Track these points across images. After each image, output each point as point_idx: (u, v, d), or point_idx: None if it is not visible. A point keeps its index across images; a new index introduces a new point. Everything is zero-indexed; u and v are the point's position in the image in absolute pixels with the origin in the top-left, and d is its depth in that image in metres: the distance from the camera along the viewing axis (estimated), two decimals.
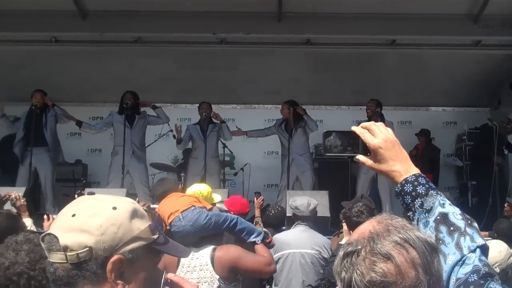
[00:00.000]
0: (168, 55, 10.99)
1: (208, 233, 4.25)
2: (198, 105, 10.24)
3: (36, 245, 2.21)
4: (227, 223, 4.29)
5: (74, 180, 10.36)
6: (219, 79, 11.40)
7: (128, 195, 7.81)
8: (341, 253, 1.39)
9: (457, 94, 11.92)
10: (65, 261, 1.45)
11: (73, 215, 1.49)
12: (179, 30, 10.01)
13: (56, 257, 1.46)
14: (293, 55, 11.12)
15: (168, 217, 4.32)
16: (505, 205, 7.98)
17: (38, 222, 5.55)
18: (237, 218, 4.40)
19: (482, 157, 10.91)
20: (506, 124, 10.00)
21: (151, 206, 5.34)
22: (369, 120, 8.98)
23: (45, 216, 5.46)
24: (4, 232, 3.02)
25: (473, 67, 11.14)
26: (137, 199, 8.29)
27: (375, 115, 9.49)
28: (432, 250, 1.35)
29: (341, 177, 10.82)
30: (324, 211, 7.86)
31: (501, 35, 10.02)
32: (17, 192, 6.00)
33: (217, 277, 4.10)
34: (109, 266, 1.46)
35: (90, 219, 1.48)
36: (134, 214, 1.55)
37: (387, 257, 1.30)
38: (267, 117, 11.83)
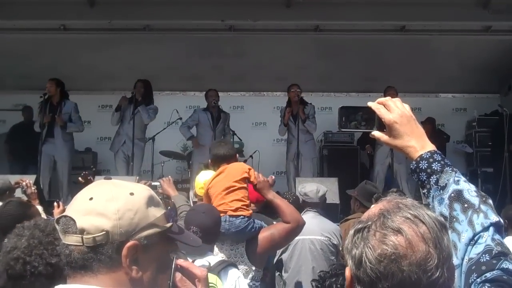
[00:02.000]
0: (176, 43, 10.98)
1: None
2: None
3: (41, 230, 2.23)
4: (257, 230, 4.34)
5: (84, 168, 10.35)
6: (227, 66, 11.38)
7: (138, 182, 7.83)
8: (351, 231, 1.39)
9: (466, 80, 11.84)
10: (81, 244, 1.45)
11: (91, 199, 1.49)
12: (188, 17, 9.99)
13: (71, 240, 1.46)
14: (302, 42, 11.09)
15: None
16: None
17: (49, 209, 5.57)
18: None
19: (493, 143, 10.86)
20: None
21: (152, 183, 5.31)
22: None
23: (55, 204, 5.49)
24: (15, 220, 3.05)
25: (483, 53, 11.06)
26: (137, 177, 8.32)
27: None
28: (442, 227, 1.35)
29: (351, 164, 10.81)
30: (333, 198, 7.85)
31: (511, 21, 9.94)
32: (28, 180, 6.04)
33: (253, 268, 4.19)
34: (124, 251, 1.46)
35: (108, 203, 1.48)
36: (151, 201, 1.55)
37: (398, 231, 1.31)
38: (276, 104, 11.80)
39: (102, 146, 11.55)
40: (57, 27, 10.38)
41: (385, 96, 9.48)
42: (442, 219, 1.38)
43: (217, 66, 11.30)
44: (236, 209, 4.23)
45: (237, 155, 4.73)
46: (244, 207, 4.28)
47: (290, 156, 9.98)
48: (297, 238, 5.58)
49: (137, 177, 8.35)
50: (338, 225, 6.04)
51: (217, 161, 4.72)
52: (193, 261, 2.31)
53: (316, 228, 5.65)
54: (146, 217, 1.52)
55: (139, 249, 1.49)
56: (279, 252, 5.66)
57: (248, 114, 12.06)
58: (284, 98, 10.50)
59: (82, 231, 1.45)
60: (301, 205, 6.05)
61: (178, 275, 1.62)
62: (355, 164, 10.88)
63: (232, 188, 4.31)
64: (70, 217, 1.48)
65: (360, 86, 11.94)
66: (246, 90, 12.34)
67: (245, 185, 4.38)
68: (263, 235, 4.28)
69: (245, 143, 11.43)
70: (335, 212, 7.68)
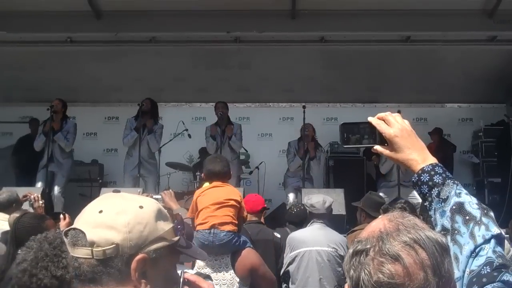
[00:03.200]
0: (182, 54, 11.01)
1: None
2: (212, 104, 10.20)
3: (49, 243, 2.24)
4: (241, 244, 4.40)
5: (91, 180, 10.43)
6: (233, 78, 11.41)
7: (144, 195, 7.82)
8: (350, 250, 1.38)
9: (472, 90, 11.82)
10: (91, 257, 1.44)
11: (100, 211, 1.49)
12: (193, 29, 10.03)
13: (81, 252, 1.46)
14: (307, 53, 11.10)
15: (198, 215, 4.39)
16: None
17: (55, 222, 5.57)
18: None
19: (499, 153, 10.83)
20: None
21: (154, 197, 5.30)
22: None
23: (61, 216, 5.50)
24: (29, 233, 3.07)
25: (489, 63, 11.05)
26: (140, 190, 8.30)
27: None
28: (442, 250, 1.33)
29: (357, 175, 10.79)
30: (339, 209, 7.84)
31: None
32: (36, 194, 6.07)
33: (237, 279, 4.24)
34: (133, 264, 1.46)
35: (118, 216, 1.48)
36: (159, 215, 1.56)
37: (395, 258, 1.29)
38: (282, 116, 11.84)
39: (108, 158, 11.59)
40: (63, 40, 10.44)
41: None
42: (443, 240, 1.36)
43: (222, 77, 11.33)
44: (222, 223, 4.28)
45: (229, 174, 4.72)
46: (232, 223, 4.32)
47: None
48: (304, 249, 5.59)
49: (140, 190, 8.35)
50: (344, 236, 6.03)
51: (211, 177, 4.71)
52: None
53: (323, 239, 5.64)
54: (155, 231, 1.52)
55: (148, 262, 1.49)
56: (286, 263, 5.66)
57: (254, 125, 12.05)
58: (290, 110, 10.51)
59: (92, 244, 1.44)
60: (307, 216, 6.06)
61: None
62: (361, 174, 10.86)
63: (225, 204, 4.37)
64: (79, 229, 1.47)
65: (366, 96, 11.96)
66: (251, 101, 12.35)
67: (236, 205, 4.42)
68: (254, 256, 4.38)
69: (251, 154, 11.44)
70: (342, 223, 7.66)
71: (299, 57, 11.07)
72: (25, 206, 5.95)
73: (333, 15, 9.87)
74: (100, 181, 10.52)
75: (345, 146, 1.92)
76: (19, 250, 2.32)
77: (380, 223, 1.39)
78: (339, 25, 9.93)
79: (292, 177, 9.93)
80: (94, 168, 11.13)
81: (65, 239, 1.51)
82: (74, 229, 1.50)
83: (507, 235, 6.37)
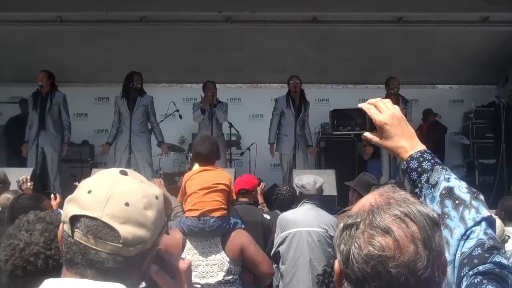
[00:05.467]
0: (173, 34, 10.95)
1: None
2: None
3: (48, 223, 2.21)
4: (231, 226, 4.42)
5: (81, 161, 10.41)
6: (224, 58, 11.36)
7: None
8: (341, 225, 1.38)
9: (464, 71, 11.83)
10: (118, 254, 1.38)
11: (126, 204, 1.40)
12: (184, 8, 9.97)
13: (108, 248, 1.38)
14: (299, 34, 11.07)
15: (186, 200, 4.39)
16: None
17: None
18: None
19: (490, 134, 10.89)
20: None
21: None
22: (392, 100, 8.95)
23: (52, 196, 5.49)
24: (27, 213, 3.07)
25: (480, 44, 11.05)
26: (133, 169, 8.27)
27: (395, 95, 9.32)
28: (433, 224, 1.33)
29: (348, 156, 10.81)
30: (331, 189, 7.86)
31: (508, 11, 9.94)
32: (24, 176, 6.03)
33: (227, 259, 4.25)
34: (148, 258, 1.46)
35: (146, 212, 1.42)
36: (164, 203, 1.52)
37: (386, 231, 1.29)
38: (273, 96, 11.76)
39: (99, 138, 11.51)
40: (53, 19, 10.36)
41: (387, 86, 9.52)
42: (434, 215, 1.36)
43: (214, 58, 11.27)
44: (211, 210, 4.27)
45: (218, 154, 4.70)
46: (221, 209, 4.32)
47: (286, 149, 9.91)
48: (294, 230, 5.60)
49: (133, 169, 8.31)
50: (335, 216, 6.04)
51: (198, 159, 4.71)
52: None
53: (313, 220, 5.66)
54: (164, 221, 1.49)
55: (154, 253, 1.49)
56: (276, 244, 5.68)
57: (245, 106, 12.03)
58: (281, 90, 10.49)
59: (124, 242, 1.38)
60: (297, 197, 6.07)
61: (154, 268, 1.56)
62: (353, 156, 10.88)
63: (214, 188, 4.36)
64: (104, 222, 1.39)
65: (357, 77, 11.95)
66: (243, 82, 12.32)
67: (226, 189, 4.42)
68: (244, 236, 4.40)
69: (242, 135, 11.44)
70: (333, 204, 7.68)
71: (291, 37, 11.03)
72: (14, 187, 5.92)
73: None
74: (91, 161, 10.49)
75: (334, 133, 1.92)
76: (6, 236, 2.27)
77: (370, 198, 1.39)
78: (331, 6, 9.90)
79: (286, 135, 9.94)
80: (84, 149, 11.09)
81: (74, 225, 1.41)
82: (95, 219, 1.39)
83: (496, 216, 6.43)
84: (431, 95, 12.18)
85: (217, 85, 10.14)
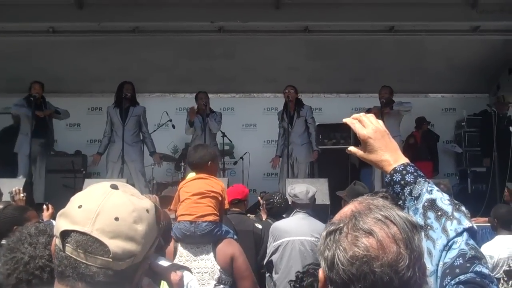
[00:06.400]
0: (166, 44, 10.97)
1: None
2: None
3: (50, 236, 2.20)
4: (223, 233, 4.43)
5: (74, 171, 10.37)
6: (217, 68, 11.37)
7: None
8: (323, 233, 1.41)
9: (455, 80, 11.89)
10: (108, 268, 1.39)
11: (116, 218, 1.41)
12: (177, 19, 9.98)
13: (98, 262, 1.39)
14: (292, 43, 11.10)
15: (179, 206, 4.41)
16: (505, 190, 8.00)
17: (38, 213, 5.55)
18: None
19: (482, 143, 10.93)
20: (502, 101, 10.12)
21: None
22: (382, 108, 8.98)
23: (44, 206, 5.48)
24: (12, 223, 3.07)
25: (472, 53, 11.13)
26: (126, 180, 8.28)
27: (388, 104, 9.34)
28: (412, 227, 1.37)
29: (341, 165, 10.79)
30: (323, 198, 7.86)
31: (499, 20, 10.01)
32: (17, 187, 6.03)
33: (218, 267, 4.24)
34: (140, 271, 1.46)
35: (135, 226, 1.42)
36: (156, 216, 1.52)
37: (369, 232, 1.33)
38: (266, 106, 11.84)
39: (92, 148, 11.46)
40: (45, 30, 10.36)
41: (380, 95, 9.55)
42: (413, 219, 1.41)
43: (206, 67, 11.29)
44: (203, 215, 4.30)
45: (211, 162, 4.68)
46: (213, 214, 4.35)
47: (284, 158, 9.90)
48: (287, 239, 5.61)
49: (126, 179, 8.33)
50: None
51: (191, 166, 4.73)
52: None
53: (306, 229, 5.67)
54: (155, 235, 1.50)
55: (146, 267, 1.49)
56: (269, 253, 5.68)
57: (238, 115, 12.04)
58: (274, 100, 10.51)
59: (113, 256, 1.38)
60: (290, 206, 6.07)
61: (146, 280, 1.57)
62: (345, 165, 10.86)
63: (206, 194, 4.39)
64: (94, 237, 1.39)
65: (350, 86, 11.97)
66: (236, 92, 12.32)
67: (218, 197, 4.44)
68: (235, 246, 4.39)
69: (236, 145, 11.44)
70: (325, 213, 7.67)
71: (283, 47, 11.07)
72: (6, 198, 5.90)
73: (317, 5, 9.87)
74: (84, 172, 10.47)
75: (320, 147, 1.96)
76: (7, 249, 2.27)
77: (351, 206, 1.44)
78: (323, 15, 9.93)
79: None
80: (77, 159, 11.05)
81: (63, 240, 1.42)
82: (84, 234, 1.40)
83: (489, 224, 6.44)
84: (423, 104, 12.19)
85: (210, 95, 10.15)
